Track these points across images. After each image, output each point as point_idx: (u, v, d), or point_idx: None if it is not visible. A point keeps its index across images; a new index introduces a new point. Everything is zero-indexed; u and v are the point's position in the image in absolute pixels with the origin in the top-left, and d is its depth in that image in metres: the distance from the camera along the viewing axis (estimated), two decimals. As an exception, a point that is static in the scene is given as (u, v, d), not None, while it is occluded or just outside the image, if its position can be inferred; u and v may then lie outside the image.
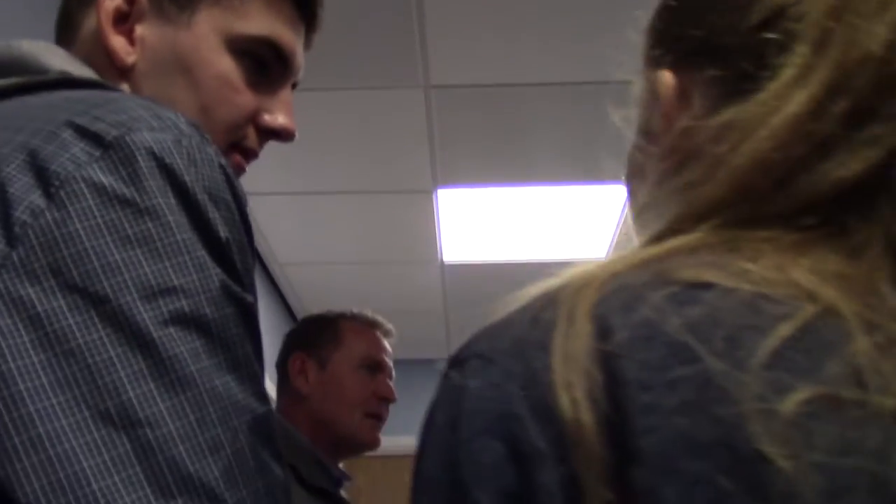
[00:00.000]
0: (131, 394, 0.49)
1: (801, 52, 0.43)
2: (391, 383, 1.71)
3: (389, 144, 3.04)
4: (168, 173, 0.54)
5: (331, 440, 1.61)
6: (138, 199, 0.53)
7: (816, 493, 0.32)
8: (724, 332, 0.36)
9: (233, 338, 0.54)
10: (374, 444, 1.67)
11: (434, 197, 3.39)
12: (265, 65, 0.75)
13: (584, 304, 0.39)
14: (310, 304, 4.27)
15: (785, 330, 0.36)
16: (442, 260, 3.97)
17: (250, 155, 0.77)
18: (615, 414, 0.35)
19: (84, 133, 0.54)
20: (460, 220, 3.61)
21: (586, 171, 3.04)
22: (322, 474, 1.56)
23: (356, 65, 2.61)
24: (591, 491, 0.35)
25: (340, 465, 1.66)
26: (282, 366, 1.71)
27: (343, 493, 1.64)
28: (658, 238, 0.45)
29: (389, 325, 1.78)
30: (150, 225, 0.53)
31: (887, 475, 0.33)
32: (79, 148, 0.54)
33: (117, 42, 0.71)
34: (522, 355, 0.38)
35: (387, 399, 1.68)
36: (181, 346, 0.51)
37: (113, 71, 0.71)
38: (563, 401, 0.36)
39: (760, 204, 0.43)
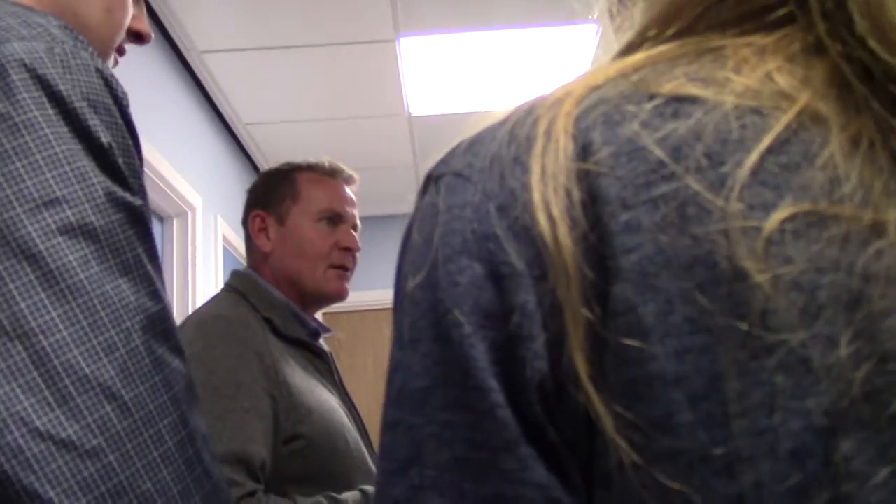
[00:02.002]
0: (22, 305, 0.51)
1: None
2: (355, 233, 1.66)
3: (348, -8, 2.90)
4: (43, 84, 0.54)
5: (297, 294, 1.60)
6: (14, 114, 0.53)
7: (794, 311, 0.32)
8: (706, 148, 0.35)
9: (122, 242, 0.56)
10: (341, 294, 1.63)
11: (397, 46, 3.28)
12: None
13: (563, 119, 0.37)
14: (277, 163, 4.20)
15: (766, 142, 0.35)
16: (409, 112, 3.88)
17: (122, 54, 0.84)
18: (594, 233, 0.35)
19: None
20: (425, 69, 3.50)
21: (555, 11, 2.94)
22: (298, 325, 1.56)
23: None
24: (570, 310, 0.34)
25: (319, 317, 1.63)
26: (244, 225, 1.68)
27: (323, 344, 1.64)
28: (630, 48, 0.42)
29: (351, 172, 1.71)
30: (27, 138, 0.53)
31: (864, 291, 0.32)
32: None
33: None
34: (500, 173, 0.37)
35: (350, 249, 1.63)
36: (69, 255, 0.53)
37: None
38: (541, 220, 0.35)
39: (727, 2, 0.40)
